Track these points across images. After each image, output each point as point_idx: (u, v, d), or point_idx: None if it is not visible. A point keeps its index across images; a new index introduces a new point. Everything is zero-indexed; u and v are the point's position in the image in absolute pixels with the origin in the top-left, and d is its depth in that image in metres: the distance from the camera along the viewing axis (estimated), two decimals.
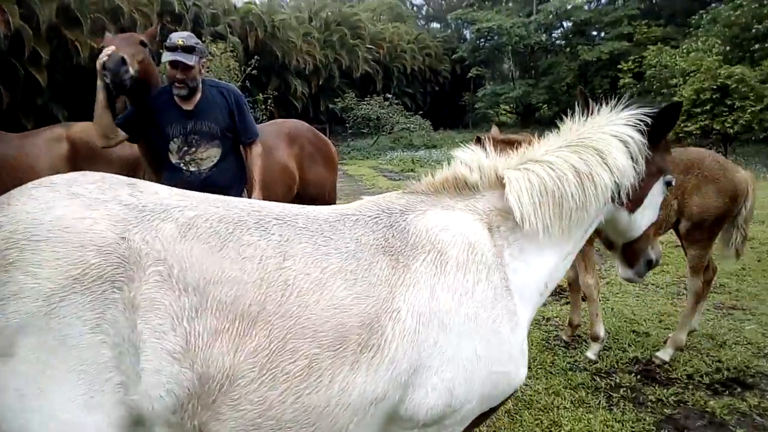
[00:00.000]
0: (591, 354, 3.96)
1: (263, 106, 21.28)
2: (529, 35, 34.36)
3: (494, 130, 4.58)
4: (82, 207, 1.32)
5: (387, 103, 29.41)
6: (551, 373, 3.83)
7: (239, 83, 21.27)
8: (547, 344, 4.31)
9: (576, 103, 1.95)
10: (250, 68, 22.05)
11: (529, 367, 3.83)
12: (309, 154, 4.73)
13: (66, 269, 1.23)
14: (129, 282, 1.27)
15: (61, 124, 5.14)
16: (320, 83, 32.85)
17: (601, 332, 3.95)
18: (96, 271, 1.25)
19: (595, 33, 36.66)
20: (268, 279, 1.38)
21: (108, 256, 1.27)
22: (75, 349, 1.22)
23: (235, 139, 3.42)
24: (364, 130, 29.53)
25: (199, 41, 3.29)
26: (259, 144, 3.52)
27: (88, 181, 1.42)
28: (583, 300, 4.23)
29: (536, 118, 39.70)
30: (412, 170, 18.40)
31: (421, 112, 31.74)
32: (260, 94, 21.47)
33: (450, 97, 42.13)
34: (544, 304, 5.21)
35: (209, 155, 3.29)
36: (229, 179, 3.37)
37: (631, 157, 1.78)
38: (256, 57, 23.77)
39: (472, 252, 1.60)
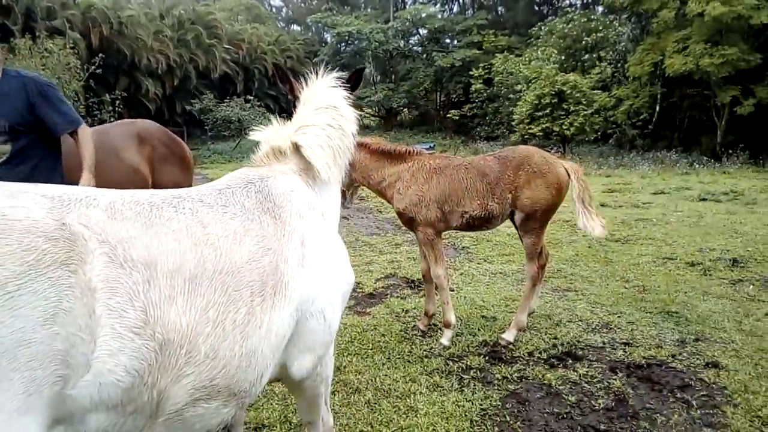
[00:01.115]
0: (444, 340, 4.21)
1: (110, 108, 19.86)
2: (388, 41, 35.44)
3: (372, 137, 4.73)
4: (6, 197, 1.25)
5: (249, 105, 28.78)
6: (408, 361, 4.01)
7: (82, 82, 19.72)
8: (405, 335, 4.51)
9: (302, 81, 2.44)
10: (94, 67, 20.49)
11: (387, 358, 4.04)
12: (162, 156, 4.52)
13: (20, 255, 1.16)
14: (82, 264, 1.25)
15: None
16: (175, 84, 31.35)
17: (452, 319, 4.21)
18: (50, 255, 1.20)
19: (448, 41, 38.67)
20: (198, 244, 1.53)
21: (57, 241, 1.23)
22: (26, 344, 1.14)
23: (43, 134, 3.15)
24: (225, 133, 28.68)
25: None
26: (86, 127, 3.29)
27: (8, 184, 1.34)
28: (436, 290, 4.49)
29: (398, 122, 41.09)
30: None
31: (284, 115, 31.36)
32: (107, 95, 19.99)
33: None
34: (403, 298, 5.46)
35: (7, 153, 3.03)
36: (26, 179, 2.99)
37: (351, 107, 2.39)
38: (100, 55, 22.12)
39: (311, 203, 2.03)
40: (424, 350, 4.19)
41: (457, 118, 33.25)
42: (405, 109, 38.58)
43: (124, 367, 1.29)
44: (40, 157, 3.16)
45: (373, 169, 4.34)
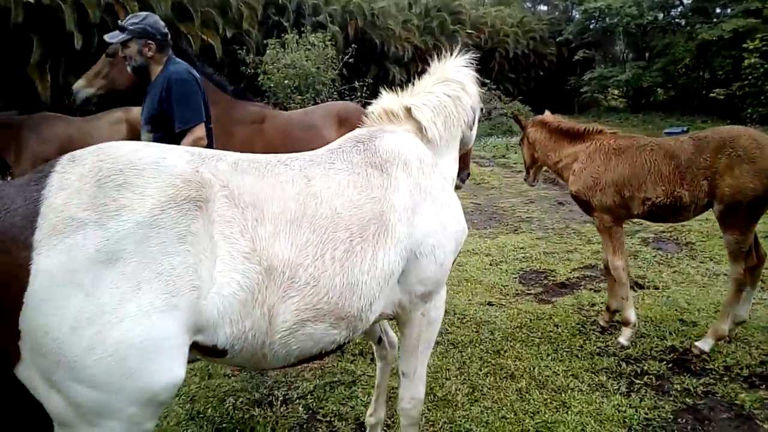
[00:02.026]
0: (623, 339, 3.84)
1: (358, 94, 21.69)
2: (642, 14, 32.25)
3: (547, 114, 4.53)
4: (159, 152, 1.65)
5: (485, 88, 28.89)
6: (576, 356, 3.76)
7: (337, 71, 21.97)
8: (581, 328, 4.22)
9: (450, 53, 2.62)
10: (347, 57, 22.64)
11: (554, 350, 3.85)
12: None
13: (163, 190, 1.53)
14: (206, 203, 1.60)
15: (120, 108, 5.71)
16: (419, 70, 32.85)
17: (632, 317, 3.81)
18: (184, 192, 1.56)
19: (719, 10, 33.73)
20: (302, 194, 1.83)
21: (190, 183, 1.59)
22: (167, 255, 1.49)
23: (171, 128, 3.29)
24: None
25: (142, 23, 3.36)
26: (196, 131, 3.29)
27: (151, 143, 1.78)
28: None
29: (649, 103, 37.38)
30: (503, 156, 18.05)
31: (520, 98, 30.89)
32: (356, 82, 21.88)
33: (555, 82, 40.45)
34: (597, 291, 5.08)
35: (149, 141, 3.29)
36: None
37: (478, 85, 2.59)
38: (353, 45, 24.34)
39: (422, 158, 2.24)
40: (598, 347, 3.89)
41: (722, 97, 28.83)
42: (659, 89, 34.84)
43: (238, 283, 1.60)
44: None
45: (551, 148, 4.12)
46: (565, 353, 3.80)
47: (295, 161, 1.99)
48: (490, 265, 6.22)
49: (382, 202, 2.00)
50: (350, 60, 22.72)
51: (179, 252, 1.50)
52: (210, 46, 23.16)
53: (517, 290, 5.29)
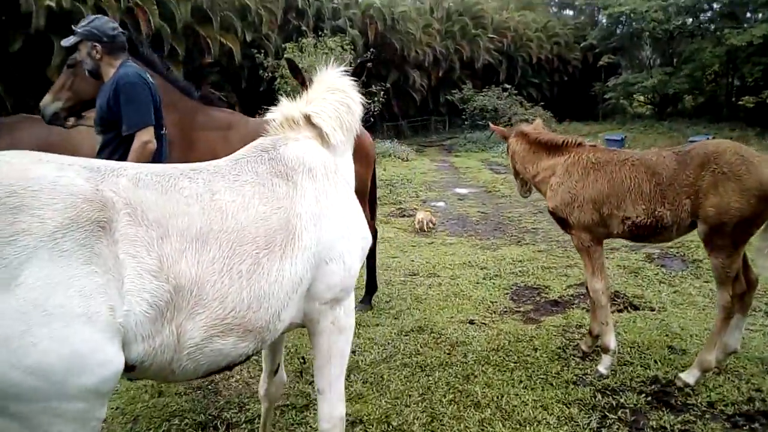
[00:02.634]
0: (602, 368, 3.59)
1: (375, 99, 21.56)
2: (669, 19, 31.54)
3: (537, 122, 4.31)
4: (56, 169, 1.58)
5: (506, 93, 28.57)
6: (550, 384, 3.52)
7: None
8: (562, 353, 3.97)
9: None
10: (366, 61, 22.53)
11: (528, 376, 3.62)
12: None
13: (64, 212, 1.48)
14: (109, 222, 1.57)
15: None
16: (440, 75, 32.71)
17: (612, 344, 3.56)
18: (86, 213, 1.51)
19: (749, 15, 32.86)
20: (207, 208, 1.82)
21: (92, 203, 1.54)
22: (74, 278, 1.44)
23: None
24: (481, 122, 28.99)
25: (89, 25, 3.31)
26: (142, 134, 3.21)
27: (44, 155, 1.66)
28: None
29: (676, 110, 36.59)
30: None
31: (542, 103, 30.44)
32: (373, 87, 21.77)
33: (579, 87, 39.94)
34: (589, 310, 4.83)
35: (99, 142, 3.33)
36: None
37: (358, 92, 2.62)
38: (371, 50, 24.30)
39: (326, 164, 2.28)
40: (575, 375, 3.64)
41: (752, 105, 28.12)
42: (686, 96, 34.08)
43: (147, 302, 1.60)
44: (123, 151, 3.25)
45: (529, 161, 3.89)
46: (539, 380, 3.56)
47: (199, 174, 1.96)
48: (484, 278, 6.01)
49: (288, 212, 2.02)
50: (369, 64, 22.63)
51: (86, 274, 1.48)
52: (229, 50, 23.36)
53: (505, 307, 5.07)
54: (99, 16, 3.56)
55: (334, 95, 2.51)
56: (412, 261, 6.92)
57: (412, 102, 31.85)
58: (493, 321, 4.68)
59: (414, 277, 6.21)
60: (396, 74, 30.63)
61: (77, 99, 3.92)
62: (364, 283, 5.21)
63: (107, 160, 3.28)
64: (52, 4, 18.25)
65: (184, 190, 1.82)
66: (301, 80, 3.00)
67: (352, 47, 23.85)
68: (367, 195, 5.04)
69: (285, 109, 2.45)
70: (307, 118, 2.42)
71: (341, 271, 2.17)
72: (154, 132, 3.29)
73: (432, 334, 4.34)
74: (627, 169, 3.36)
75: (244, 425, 3.11)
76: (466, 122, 30.33)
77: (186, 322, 1.69)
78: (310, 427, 3.09)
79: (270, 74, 21.10)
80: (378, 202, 11.20)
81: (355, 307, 4.53)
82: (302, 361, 3.82)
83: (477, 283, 5.86)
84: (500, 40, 34.70)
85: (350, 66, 2.72)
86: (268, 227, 1.93)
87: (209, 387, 3.56)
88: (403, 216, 10.29)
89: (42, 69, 19.06)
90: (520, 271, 6.27)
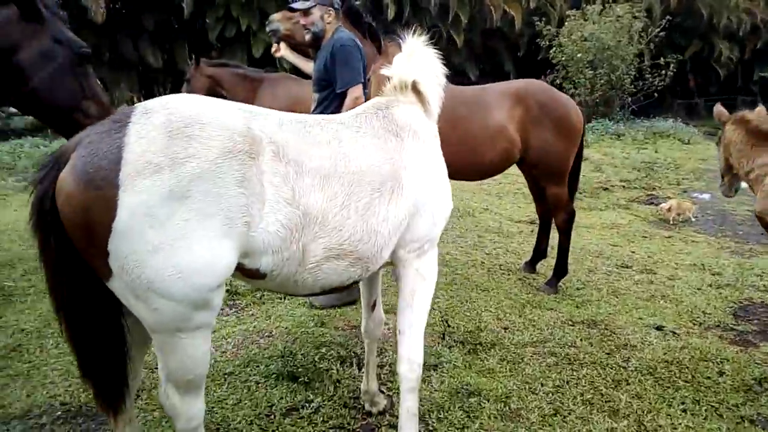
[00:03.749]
0: None
1: (664, 72, 19.30)
2: None
3: (760, 109, 3.57)
4: (220, 109, 1.92)
5: None
6: (719, 415, 2.98)
7: (641, 46, 19.88)
8: (756, 386, 3.31)
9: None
10: (658, 29, 20.33)
11: (695, 401, 3.21)
12: (534, 117, 4.52)
13: (224, 142, 1.80)
14: (257, 155, 1.88)
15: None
16: (757, 46, 27.71)
17: None
18: (240, 145, 1.84)
19: None
20: (334, 153, 2.13)
21: (245, 137, 1.86)
22: (227, 196, 1.78)
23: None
24: None
25: None
26: (354, 91, 3.68)
27: (215, 99, 2.07)
28: None
29: None
30: None
31: None
32: (661, 59, 19.52)
33: None
34: None
35: (315, 100, 3.79)
36: None
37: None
38: (668, 17, 21.69)
39: (427, 128, 2.55)
40: (758, 413, 3.03)
41: None
42: None
43: (281, 223, 1.92)
44: (336, 107, 3.75)
45: (745, 154, 3.24)
46: (706, 408, 3.03)
47: (329, 123, 2.27)
48: (710, 285, 5.20)
49: (397, 163, 2.29)
50: (661, 33, 20.40)
51: (236, 194, 1.80)
52: (511, 18, 23.28)
53: (718, 322, 4.35)
54: None
55: (429, 66, 2.66)
56: (632, 253, 6.29)
57: (715, 77, 27.70)
58: (688, 333, 4.08)
59: (624, 269, 5.66)
60: (698, 45, 26.92)
61: (292, 35, 4.70)
62: (553, 264, 5.00)
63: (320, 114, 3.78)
64: None
65: (317, 136, 2.13)
66: (377, 46, 3.07)
67: (647, 15, 21.57)
68: (568, 172, 4.75)
69: (399, 72, 2.60)
70: (414, 86, 2.60)
71: (429, 224, 2.42)
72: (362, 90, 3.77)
73: (603, 331, 3.99)
74: None
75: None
76: None
77: (310, 243, 2.01)
78: (432, 386, 3.19)
79: (547, 42, 20.47)
80: (625, 186, 10.39)
81: (541, 289, 4.43)
82: (446, 324, 3.90)
83: (698, 289, 5.10)
84: None
85: None
86: (382, 173, 2.22)
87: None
88: (650, 203, 9.26)
89: None
90: (764, 286, 5.26)
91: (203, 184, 1.73)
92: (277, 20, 4.79)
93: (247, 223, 1.84)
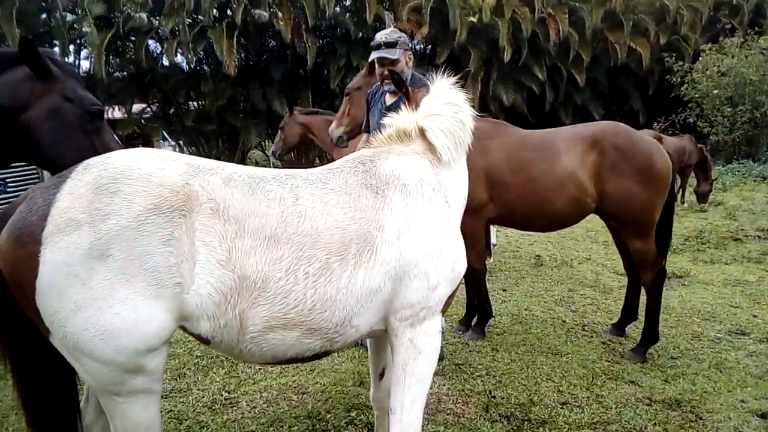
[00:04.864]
0: None
1: None
2: None
3: None
4: (159, 163, 1.87)
5: None
6: None
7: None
8: None
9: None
10: None
11: None
12: (611, 163, 4.02)
13: (150, 199, 1.75)
14: (190, 213, 1.81)
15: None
16: None
17: None
18: (169, 202, 1.77)
19: None
20: (286, 212, 1.95)
21: (177, 194, 1.80)
22: (152, 255, 1.71)
23: None
24: None
25: (403, 35, 3.44)
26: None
27: (164, 152, 2.07)
28: None
29: None
30: None
31: None
32: None
33: None
34: None
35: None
36: None
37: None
38: None
39: (425, 182, 2.26)
40: None
41: None
42: None
43: (213, 286, 1.80)
44: None
45: None
46: None
47: (290, 179, 2.08)
48: None
49: (370, 223, 2.06)
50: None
51: (162, 253, 1.72)
52: (638, 55, 21.97)
53: None
54: (393, 28, 3.87)
55: (450, 110, 2.44)
56: (754, 317, 5.31)
57: None
58: None
59: (739, 337, 4.82)
60: None
61: (354, 124, 4.50)
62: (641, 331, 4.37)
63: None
64: (474, 20, 20.48)
65: (269, 193, 1.97)
66: (405, 92, 2.78)
67: None
68: (654, 225, 4.17)
69: (399, 121, 2.43)
70: (422, 132, 2.40)
71: (423, 289, 2.14)
72: None
73: (686, 414, 3.34)
74: None
75: None
76: None
77: (249, 310, 1.85)
78: None
79: (678, 79, 18.99)
80: (762, 236, 9.10)
81: (626, 357, 3.85)
82: (490, 395, 3.48)
83: None
84: None
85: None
86: (344, 235, 2.00)
87: None
88: None
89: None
90: None
91: (124, 242, 1.67)
92: (335, 128, 4.62)
93: (179, 284, 1.76)
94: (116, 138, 2.64)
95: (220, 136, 22.26)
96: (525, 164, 4.16)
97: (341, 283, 1.96)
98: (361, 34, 20.80)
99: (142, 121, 22.07)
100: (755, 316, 5.39)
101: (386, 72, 3.38)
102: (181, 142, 22.83)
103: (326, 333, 2.00)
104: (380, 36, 3.54)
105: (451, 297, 2.35)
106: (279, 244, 1.89)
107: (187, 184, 1.82)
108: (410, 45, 3.68)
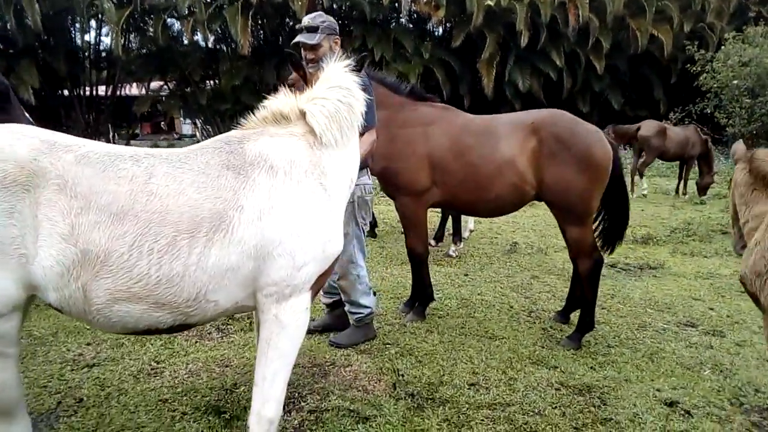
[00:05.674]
0: None
1: None
2: None
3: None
4: (12, 139, 1.96)
5: None
6: None
7: None
8: None
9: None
10: None
11: None
12: (550, 152, 4.05)
13: None
14: (35, 188, 1.90)
15: None
16: None
17: None
18: (12, 176, 1.87)
19: None
20: (136, 190, 2.02)
21: (22, 169, 1.89)
22: None
23: None
24: None
25: (329, 19, 3.47)
26: (372, 134, 3.42)
27: (24, 128, 2.15)
28: None
29: None
30: None
31: None
32: None
33: None
34: None
35: None
36: None
37: (363, 90, 2.63)
38: None
39: (291, 163, 2.31)
40: None
41: None
42: None
43: (54, 258, 1.90)
44: None
45: (745, 201, 2.61)
46: None
47: (149, 158, 2.15)
48: None
49: (227, 203, 2.12)
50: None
51: (5, 224, 1.85)
52: (659, 42, 21.43)
53: None
54: (320, 12, 3.91)
55: (336, 93, 2.51)
56: (710, 310, 5.27)
57: None
58: (708, 414, 3.32)
59: (686, 329, 4.81)
60: None
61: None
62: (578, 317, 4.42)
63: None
64: (491, 3, 20.22)
65: (121, 171, 2.04)
66: (302, 75, 2.85)
67: None
68: (592, 214, 4.20)
69: (275, 103, 2.48)
70: (302, 114, 2.46)
71: (288, 268, 2.22)
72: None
73: (591, 400, 3.38)
74: None
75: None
76: None
77: (92, 282, 1.95)
78: None
79: (698, 68, 18.47)
80: None
81: (561, 343, 3.90)
82: (398, 373, 3.58)
83: None
84: None
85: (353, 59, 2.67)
86: (196, 214, 2.06)
87: (327, 369, 3.74)
88: None
89: (473, 62, 21.48)
90: None
91: None
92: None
93: (24, 255, 1.88)
94: (28, 116, 2.78)
95: (235, 115, 22.48)
96: (466, 150, 4.21)
97: (190, 260, 2.04)
98: (377, 15, 20.74)
99: (161, 98, 22.46)
100: (711, 309, 5.37)
101: (308, 56, 3.48)
102: (197, 121, 23.19)
103: (177, 307, 2.08)
104: (304, 20, 3.62)
105: (323, 276, 2.45)
106: (125, 220, 1.96)
107: (35, 160, 1.91)
108: (336, 29, 3.71)
